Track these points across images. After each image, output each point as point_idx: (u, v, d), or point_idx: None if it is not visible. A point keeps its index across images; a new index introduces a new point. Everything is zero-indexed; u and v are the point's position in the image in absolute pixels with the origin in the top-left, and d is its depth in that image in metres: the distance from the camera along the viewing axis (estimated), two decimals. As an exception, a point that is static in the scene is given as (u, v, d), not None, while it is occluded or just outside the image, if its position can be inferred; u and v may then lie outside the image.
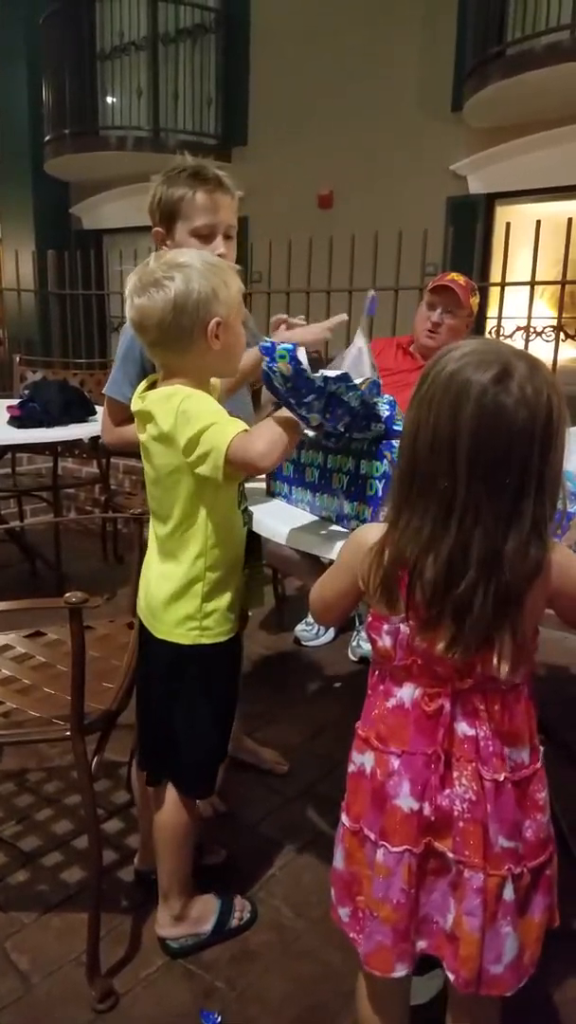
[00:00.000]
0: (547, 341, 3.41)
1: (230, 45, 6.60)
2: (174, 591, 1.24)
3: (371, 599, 0.94)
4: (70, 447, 3.72)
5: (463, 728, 0.94)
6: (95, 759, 1.32)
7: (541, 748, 1.00)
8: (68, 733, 1.27)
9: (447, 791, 0.94)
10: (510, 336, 3.57)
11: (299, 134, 6.04)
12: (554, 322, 3.40)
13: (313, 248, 3.65)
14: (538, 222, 3.00)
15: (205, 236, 1.49)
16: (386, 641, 0.95)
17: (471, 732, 0.94)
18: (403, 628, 0.93)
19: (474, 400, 0.82)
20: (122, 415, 1.61)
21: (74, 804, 1.82)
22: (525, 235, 3.11)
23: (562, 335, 3.35)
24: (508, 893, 0.95)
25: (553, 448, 0.84)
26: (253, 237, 4.70)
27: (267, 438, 1.11)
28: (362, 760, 1.02)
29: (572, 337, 4.15)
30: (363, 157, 5.71)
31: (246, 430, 1.11)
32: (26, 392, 2.78)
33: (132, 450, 1.66)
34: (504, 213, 5.28)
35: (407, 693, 0.96)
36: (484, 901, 0.93)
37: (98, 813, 1.74)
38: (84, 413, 2.80)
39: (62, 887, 1.57)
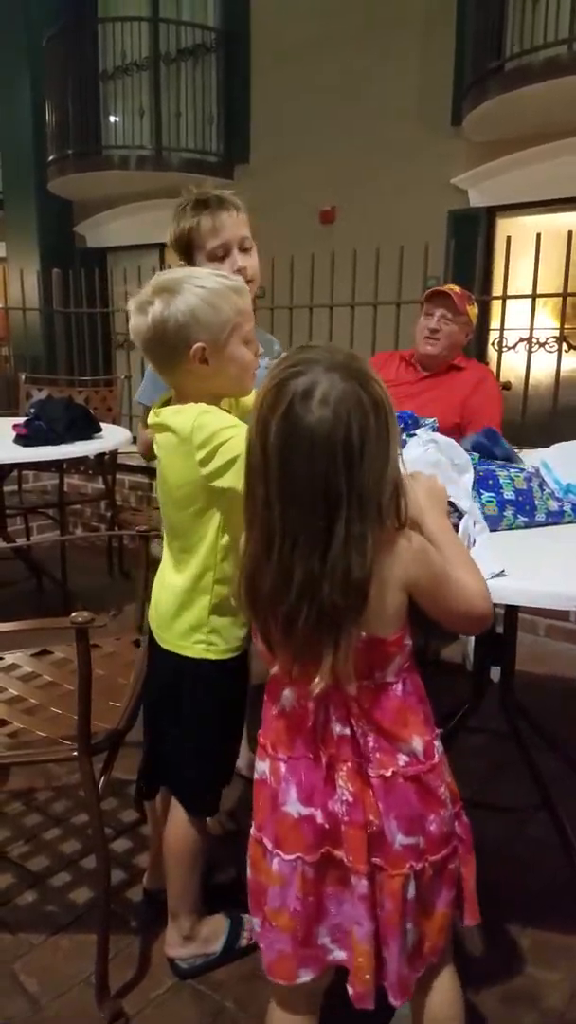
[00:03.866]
0: (550, 352, 3.42)
1: (231, 64, 6.67)
2: (181, 603, 1.25)
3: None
4: (76, 464, 3.74)
5: (337, 728, 0.94)
6: (102, 778, 1.33)
7: (438, 743, 1.00)
8: (75, 753, 1.27)
9: (335, 796, 0.94)
10: (513, 347, 3.58)
11: (301, 150, 6.09)
12: (557, 333, 3.41)
13: (316, 264, 3.68)
14: (538, 235, 3.01)
15: (221, 257, 1.53)
16: (259, 644, 0.98)
17: (346, 731, 0.94)
18: None
19: (278, 421, 0.82)
20: None
21: (82, 823, 1.81)
22: (526, 247, 3.13)
23: (565, 346, 3.36)
24: (411, 891, 0.94)
25: (359, 465, 0.82)
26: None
27: None
28: (263, 768, 1.03)
29: (575, 348, 4.15)
30: (364, 172, 5.75)
31: None
32: (31, 410, 2.80)
33: None
34: (505, 226, 5.30)
35: (288, 697, 0.98)
36: (371, 908, 0.92)
37: (106, 832, 1.74)
38: (89, 430, 2.82)
39: (71, 908, 1.56)
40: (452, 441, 1.26)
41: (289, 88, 6.16)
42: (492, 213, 5.46)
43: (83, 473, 4.12)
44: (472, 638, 1.90)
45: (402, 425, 1.22)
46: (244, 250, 1.56)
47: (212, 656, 1.26)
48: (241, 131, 6.66)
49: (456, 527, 1.15)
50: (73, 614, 1.18)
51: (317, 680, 0.87)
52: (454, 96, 5.35)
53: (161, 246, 6.60)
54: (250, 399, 1.39)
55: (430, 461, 1.16)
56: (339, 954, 0.98)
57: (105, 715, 1.38)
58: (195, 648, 1.25)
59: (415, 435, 1.21)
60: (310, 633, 0.86)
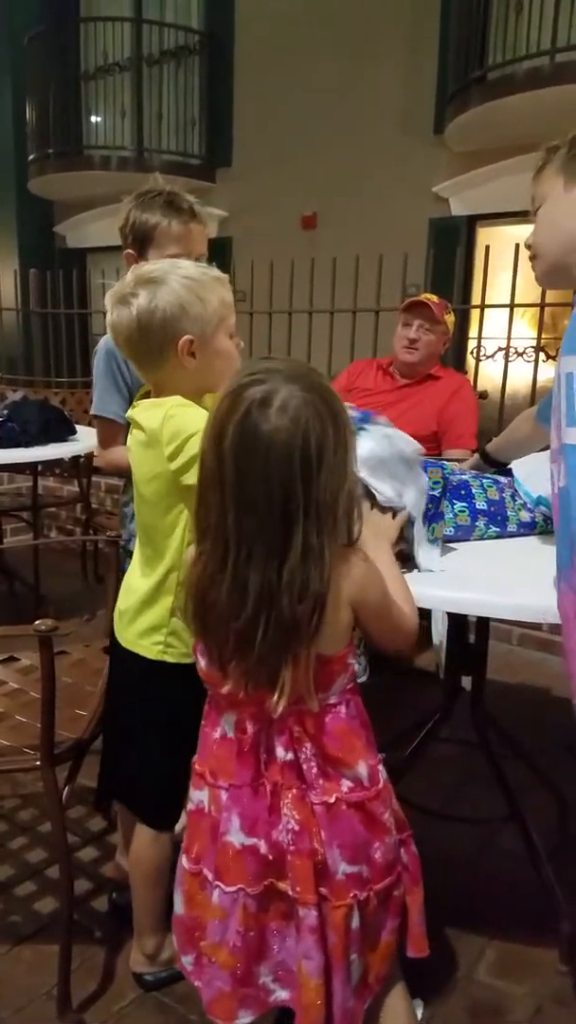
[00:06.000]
0: (528, 362, 3.45)
1: (214, 67, 6.66)
2: (143, 601, 1.23)
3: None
4: (51, 466, 3.71)
5: (280, 753, 0.91)
6: (66, 788, 1.30)
7: (382, 768, 0.98)
8: (38, 763, 1.25)
9: (280, 825, 0.91)
10: (491, 356, 3.60)
11: (283, 155, 6.09)
12: (535, 343, 3.44)
13: (296, 269, 3.68)
14: (517, 245, 3.03)
15: None
16: (201, 663, 0.95)
17: (289, 757, 0.91)
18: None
19: (234, 426, 0.81)
20: (110, 432, 1.59)
21: (49, 832, 1.78)
22: (506, 257, 3.15)
23: (543, 356, 3.39)
24: (355, 922, 0.91)
25: (316, 476, 0.81)
26: (236, 257, 4.72)
27: None
28: (200, 797, 0.99)
29: (553, 358, 4.17)
30: (346, 179, 5.77)
31: None
32: (4, 412, 2.77)
33: (123, 474, 1.65)
34: (486, 235, 5.34)
35: (229, 722, 0.95)
36: (320, 939, 0.89)
37: (73, 841, 1.72)
38: (64, 432, 2.79)
39: (34, 918, 1.53)
40: (403, 434, 1.24)
41: (272, 93, 6.17)
42: (473, 222, 5.50)
43: (58, 476, 4.08)
44: (444, 647, 1.90)
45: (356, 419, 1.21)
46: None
47: (170, 659, 1.23)
48: (223, 134, 6.65)
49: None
50: (37, 622, 1.16)
51: (276, 698, 0.85)
52: (437, 105, 5.38)
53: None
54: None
55: (383, 457, 1.15)
56: (282, 994, 0.94)
57: (70, 724, 1.36)
58: (152, 649, 1.23)
59: (367, 430, 1.20)
60: (267, 649, 0.84)
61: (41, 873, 1.65)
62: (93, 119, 7.34)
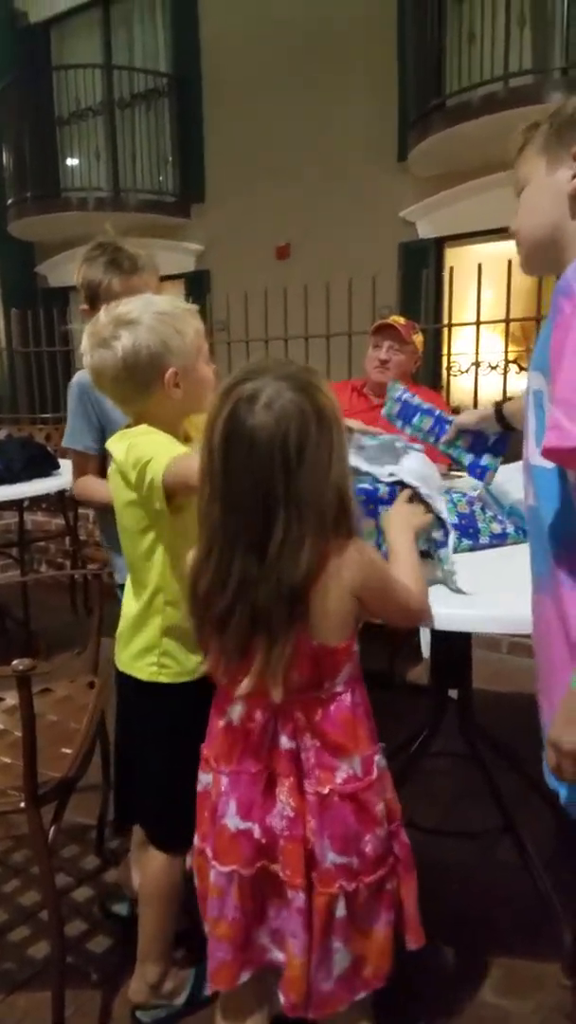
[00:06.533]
0: (501, 375, 3.49)
1: (183, 107, 6.81)
2: (133, 624, 1.25)
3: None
4: (38, 501, 3.72)
5: (283, 742, 0.95)
6: (53, 828, 1.29)
7: (377, 757, 1.00)
8: (22, 805, 1.24)
9: (274, 811, 0.95)
10: (466, 371, 3.65)
11: (254, 189, 6.21)
12: (509, 356, 3.48)
13: (272, 298, 3.73)
14: (479, 265, 3.09)
15: None
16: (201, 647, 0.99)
17: (291, 745, 0.94)
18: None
19: (222, 421, 0.85)
20: (82, 463, 1.65)
21: (42, 874, 1.76)
22: (474, 275, 3.22)
23: (516, 369, 3.43)
24: (340, 910, 0.94)
25: (296, 470, 0.84)
26: (215, 289, 4.76)
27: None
28: (206, 780, 1.04)
29: (525, 369, 4.22)
30: (317, 208, 5.88)
31: (187, 453, 1.11)
32: (-13, 452, 2.78)
33: (97, 506, 1.69)
34: (453, 255, 5.44)
35: (236, 710, 0.98)
36: (307, 921, 0.93)
37: (66, 882, 1.70)
38: (48, 467, 2.82)
39: (29, 963, 1.51)
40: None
41: (241, 129, 6.30)
42: (440, 244, 5.60)
43: (45, 510, 4.09)
44: (429, 660, 1.90)
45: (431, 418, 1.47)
46: None
47: (164, 679, 1.23)
48: (195, 171, 6.77)
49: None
50: (14, 662, 1.16)
51: (245, 682, 0.88)
52: (400, 133, 5.51)
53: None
54: (201, 418, 1.40)
55: (425, 474, 1.21)
56: (278, 954, 0.99)
57: (55, 762, 1.35)
58: (147, 670, 1.24)
59: (413, 451, 1.25)
60: (242, 633, 0.87)
61: (35, 916, 1.63)
62: (69, 162, 7.49)
